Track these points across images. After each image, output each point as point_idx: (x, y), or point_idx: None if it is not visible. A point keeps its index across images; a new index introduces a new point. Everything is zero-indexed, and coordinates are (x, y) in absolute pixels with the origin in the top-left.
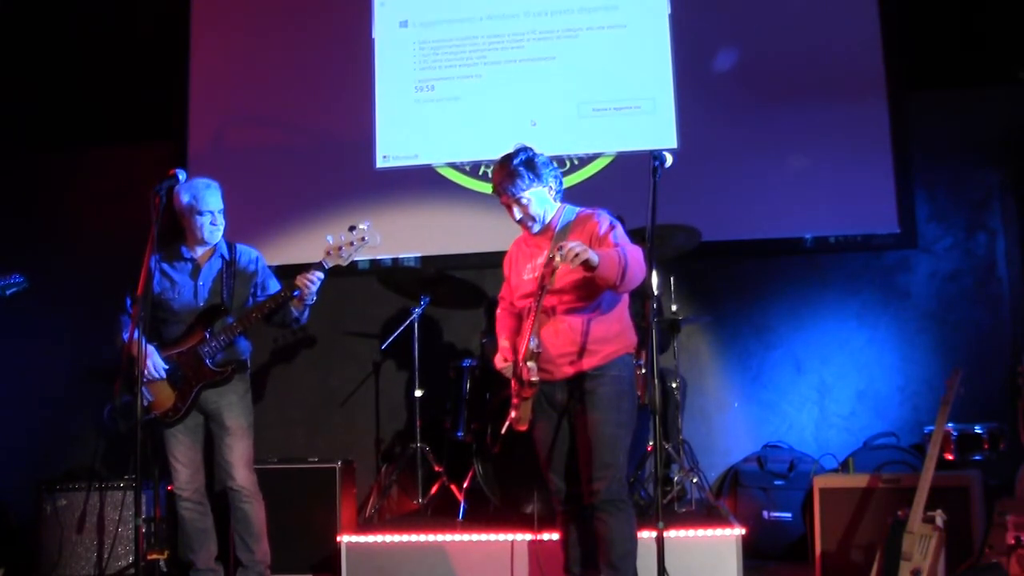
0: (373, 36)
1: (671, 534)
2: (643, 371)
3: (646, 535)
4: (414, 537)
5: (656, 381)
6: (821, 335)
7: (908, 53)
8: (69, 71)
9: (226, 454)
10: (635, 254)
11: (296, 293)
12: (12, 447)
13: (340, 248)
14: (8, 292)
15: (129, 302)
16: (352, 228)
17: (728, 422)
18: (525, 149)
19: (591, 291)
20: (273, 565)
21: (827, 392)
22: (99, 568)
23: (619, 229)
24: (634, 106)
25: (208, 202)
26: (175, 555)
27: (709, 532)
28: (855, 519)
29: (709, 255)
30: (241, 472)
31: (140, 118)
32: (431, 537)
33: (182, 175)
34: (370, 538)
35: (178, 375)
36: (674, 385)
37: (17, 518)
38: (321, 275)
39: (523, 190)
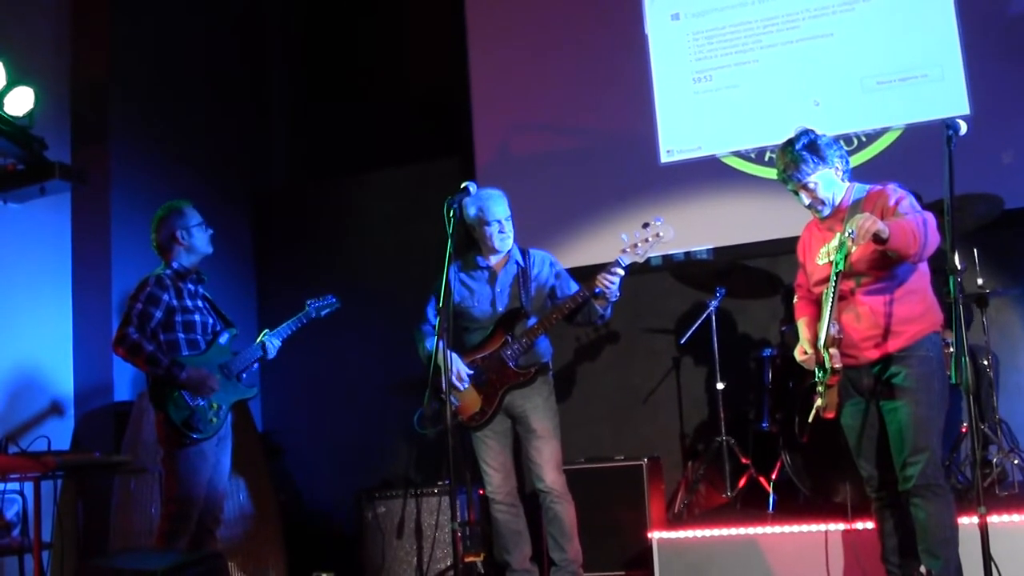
0: (646, 32)
1: (994, 519)
2: (951, 350)
3: (967, 521)
4: (725, 531)
5: (966, 359)
6: None
7: None
8: (349, 103)
9: (535, 456)
10: (929, 220)
11: (598, 291)
12: (335, 459)
13: (636, 245)
14: (323, 312)
15: (430, 313)
16: (646, 225)
17: None
18: (807, 132)
19: (888, 269)
20: (585, 563)
21: None
22: (420, 571)
23: (909, 200)
24: (920, 75)
25: (494, 212)
26: (491, 557)
27: None
28: None
29: (1014, 223)
30: (550, 473)
31: (425, 139)
32: (742, 530)
33: (472, 187)
34: (681, 534)
35: (483, 379)
36: (986, 362)
37: (343, 526)
38: (621, 272)
39: (809, 175)
